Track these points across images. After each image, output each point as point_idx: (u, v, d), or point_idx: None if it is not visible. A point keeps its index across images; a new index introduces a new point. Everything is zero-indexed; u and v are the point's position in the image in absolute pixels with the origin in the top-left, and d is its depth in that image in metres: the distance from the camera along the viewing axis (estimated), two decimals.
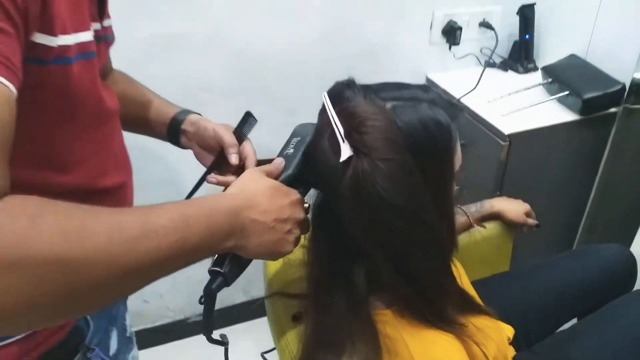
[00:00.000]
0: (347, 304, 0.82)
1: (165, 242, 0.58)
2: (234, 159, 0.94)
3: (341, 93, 0.78)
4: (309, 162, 0.83)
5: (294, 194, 0.79)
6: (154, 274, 0.59)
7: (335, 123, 0.74)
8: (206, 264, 0.74)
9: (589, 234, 1.78)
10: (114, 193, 0.85)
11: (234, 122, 0.98)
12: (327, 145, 0.75)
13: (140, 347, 1.11)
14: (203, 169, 0.99)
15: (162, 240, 0.58)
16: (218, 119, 1.01)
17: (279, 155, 0.86)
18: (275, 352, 1.10)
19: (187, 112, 1.03)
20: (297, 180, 0.83)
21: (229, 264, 0.74)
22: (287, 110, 1.69)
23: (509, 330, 1.17)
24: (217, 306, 0.76)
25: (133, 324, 1.07)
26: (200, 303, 0.75)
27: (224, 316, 2.01)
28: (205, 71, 1.62)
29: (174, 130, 1.02)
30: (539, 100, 1.66)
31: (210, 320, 0.76)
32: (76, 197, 0.55)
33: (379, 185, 0.70)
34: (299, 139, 0.86)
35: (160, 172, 1.70)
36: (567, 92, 1.62)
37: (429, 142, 0.75)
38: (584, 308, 1.35)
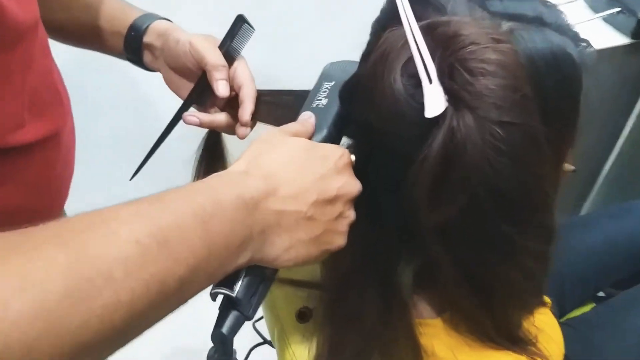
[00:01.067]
0: (381, 309, 0.59)
1: (127, 290, 0.33)
2: (221, 89, 0.67)
3: None
4: (350, 104, 0.55)
5: (339, 153, 0.51)
6: (112, 345, 0.34)
7: (419, 49, 0.44)
8: None
9: (612, 183, 1.56)
10: (39, 150, 0.63)
11: (215, 34, 0.71)
12: (400, 83, 0.45)
13: None
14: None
15: (120, 291, 0.33)
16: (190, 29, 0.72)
17: (305, 109, 0.58)
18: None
19: (152, 17, 0.73)
20: (334, 142, 0.56)
21: (245, 281, 0.48)
22: (281, 19, 1.34)
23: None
24: None
25: None
26: (210, 358, 0.50)
27: None
28: None
29: (132, 45, 0.73)
30: (580, 18, 1.36)
31: None
32: None
33: (490, 166, 0.44)
34: (332, 83, 0.59)
35: (122, 97, 1.37)
36: (617, 10, 1.33)
37: (562, 94, 0.49)
38: (629, 273, 1.18)
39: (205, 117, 0.71)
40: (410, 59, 0.45)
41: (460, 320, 0.60)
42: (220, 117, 0.71)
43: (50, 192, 0.70)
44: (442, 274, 0.53)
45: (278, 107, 0.69)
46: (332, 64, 0.63)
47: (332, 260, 0.61)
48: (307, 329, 0.72)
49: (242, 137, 0.70)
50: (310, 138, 0.54)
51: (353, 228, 0.54)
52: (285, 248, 0.47)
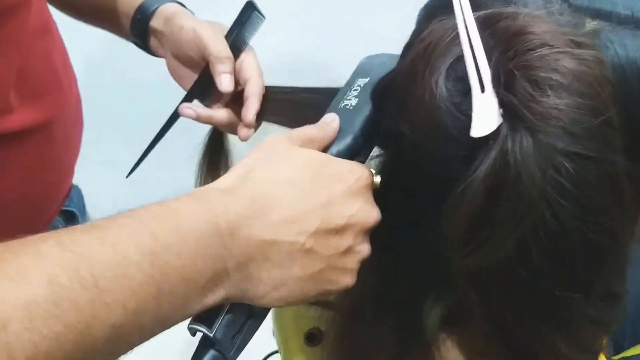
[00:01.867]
0: (397, 348, 0.49)
1: (26, 345, 0.26)
2: (225, 83, 0.61)
3: None
4: (382, 106, 0.46)
5: (357, 173, 0.42)
6: None
7: (472, 47, 0.35)
8: None
9: None
10: (28, 139, 0.59)
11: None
12: (443, 87, 0.36)
13: None
14: None
15: (16, 346, 0.26)
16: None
17: (330, 110, 0.48)
18: None
19: None
20: (361, 152, 0.47)
21: (226, 319, 0.40)
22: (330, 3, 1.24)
23: None
24: None
25: None
26: None
27: None
28: None
29: (138, 28, 0.67)
30: None
31: None
32: None
33: (549, 208, 0.34)
34: (366, 80, 0.49)
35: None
36: None
37: None
38: None
39: (203, 111, 0.65)
40: (460, 58, 0.35)
41: None
42: (220, 114, 0.65)
43: (44, 186, 0.65)
44: (474, 323, 0.45)
45: (295, 106, 0.61)
46: (369, 57, 0.53)
47: None
48: (315, 354, 0.64)
49: (243, 139, 0.63)
50: (329, 145, 0.45)
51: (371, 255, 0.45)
52: (274, 285, 0.38)
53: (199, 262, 0.34)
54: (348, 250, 0.40)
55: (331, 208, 0.39)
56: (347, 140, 0.45)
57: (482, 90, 0.34)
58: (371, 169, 0.45)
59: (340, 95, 0.50)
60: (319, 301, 0.65)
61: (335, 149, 0.45)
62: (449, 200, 0.36)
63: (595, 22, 0.36)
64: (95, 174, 1.25)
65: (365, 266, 0.45)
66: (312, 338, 0.67)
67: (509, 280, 0.39)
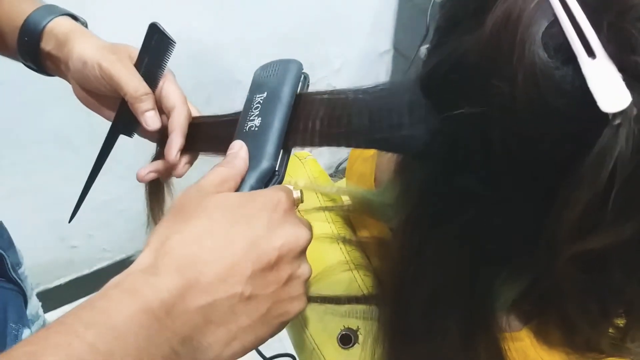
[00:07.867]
0: (462, 331, 0.46)
1: None
2: (150, 122, 0.56)
3: None
4: (443, 95, 0.38)
5: (273, 201, 0.40)
6: None
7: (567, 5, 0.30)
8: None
9: None
10: None
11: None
12: (543, 57, 0.30)
13: (80, 297, 0.88)
14: None
15: None
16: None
17: (237, 136, 0.47)
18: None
19: (49, 13, 0.58)
20: (278, 169, 0.46)
21: None
22: None
23: None
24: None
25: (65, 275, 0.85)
26: None
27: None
28: None
29: (27, 52, 0.58)
30: None
31: None
32: None
33: None
34: (264, 95, 0.47)
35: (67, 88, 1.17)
36: None
37: None
38: None
39: (155, 166, 0.59)
40: (554, 22, 0.30)
41: (548, 331, 0.49)
42: (155, 166, 0.59)
43: None
44: (566, 301, 0.41)
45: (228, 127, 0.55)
46: (263, 67, 0.50)
47: (391, 266, 0.52)
48: (354, 356, 0.61)
49: (179, 176, 0.58)
50: (243, 177, 0.44)
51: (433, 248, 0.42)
52: (225, 343, 0.36)
53: (144, 356, 0.31)
54: (289, 279, 0.39)
55: (258, 247, 0.37)
56: (261, 167, 0.44)
57: (591, 55, 0.29)
58: (289, 186, 0.43)
59: (243, 116, 0.47)
60: (352, 297, 0.63)
61: (252, 178, 0.43)
62: (561, 186, 0.32)
63: None
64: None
65: (427, 255, 0.43)
66: (346, 340, 0.63)
67: (623, 260, 0.36)
